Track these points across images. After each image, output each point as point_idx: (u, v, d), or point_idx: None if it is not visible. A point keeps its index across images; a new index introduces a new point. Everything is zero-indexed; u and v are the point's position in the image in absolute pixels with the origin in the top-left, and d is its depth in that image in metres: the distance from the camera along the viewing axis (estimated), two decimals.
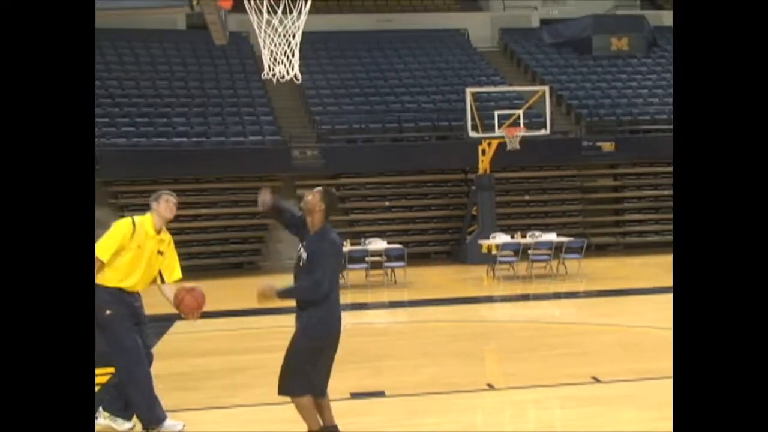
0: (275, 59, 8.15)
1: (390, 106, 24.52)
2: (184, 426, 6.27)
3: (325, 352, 5.40)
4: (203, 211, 21.56)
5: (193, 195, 21.58)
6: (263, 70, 8.67)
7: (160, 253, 6.32)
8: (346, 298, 12.04)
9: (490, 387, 7.70)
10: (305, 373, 5.36)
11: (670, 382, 7.52)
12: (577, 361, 8.76)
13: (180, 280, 6.48)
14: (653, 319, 11.33)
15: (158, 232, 6.30)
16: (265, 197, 5.60)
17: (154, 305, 10.53)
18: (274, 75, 8.33)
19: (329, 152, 22.05)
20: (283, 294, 5.39)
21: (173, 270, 6.46)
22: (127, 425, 6.28)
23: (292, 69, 8.27)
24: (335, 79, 25.83)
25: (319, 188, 5.54)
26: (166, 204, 6.28)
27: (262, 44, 8.49)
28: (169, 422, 6.21)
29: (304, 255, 5.37)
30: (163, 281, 6.40)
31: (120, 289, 6.10)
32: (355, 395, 7.34)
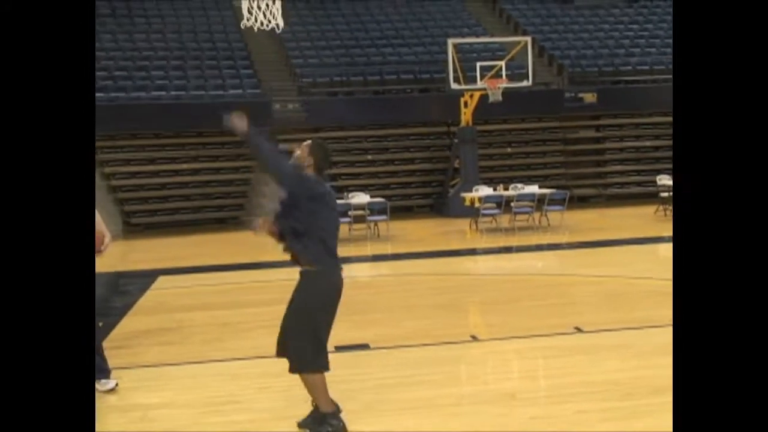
0: (256, 6, 8.00)
1: (371, 58, 24.27)
2: (116, 384, 6.23)
3: (332, 308, 5.03)
4: (184, 165, 21.38)
5: (173, 150, 21.39)
6: (242, 20, 8.51)
7: None
8: None
9: (474, 338, 7.73)
10: (322, 341, 4.98)
11: (653, 330, 7.61)
12: (560, 312, 8.80)
13: None
14: (636, 270, 11.40)
15: None
16: (238, 122, 4.98)
17: (136, 261, 10.47)
18: (254, 24, 8.17)
19: (310, 105, 21.86)
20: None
21: None
22: (111, 383, 6.23)
23: (273, 18, 8.12)
24: (315, 31, 25.52)
25: (308, 141, 5.23)
26: None
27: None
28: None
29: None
30: None
31: None
32: (339, 348, 7.32)
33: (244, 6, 8.36)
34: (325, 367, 5.04)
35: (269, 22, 8.16)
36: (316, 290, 5.01)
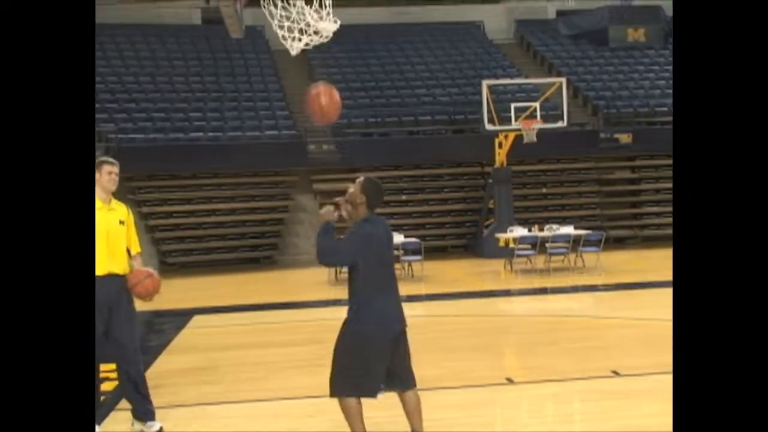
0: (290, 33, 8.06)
1: (405, 99, 24.44)
2: (161, 428, 6.18)
3: (367, 351, 5.08)
4: (220, 205, 21.60)
5: (210, 190, 21.64)
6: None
7: (121, 223, 6.00)
8: None
9: (509, 381, 7.66)
10: (348, 372, 5.11)
11: None
12: (596, 355, 8.70)
13: (138, 254, 6.24)
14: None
15: (107, 203, 5.98)
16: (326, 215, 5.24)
17: (172, 300, 10.54)
18: (290, 45, 8.17)
19: (345, 146, 22.02)
20: (322, 229, 5.15)
21: (133, 243, 6.14)
22: (157, 425, 6.22)
23: (317, 35, 8.13)
24: (350, 73, 25.78)
25: (361, 178, 5.34)
26: (107, 176, 5.93)
27: (276, 24, 8.36)
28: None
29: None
30: (130, 256, 6.11)
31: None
32: None
33: (278, 30, 8.38)
34: (342, 393, 5.13)
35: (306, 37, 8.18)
36: (351, 325, 5.17)
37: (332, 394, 5.22)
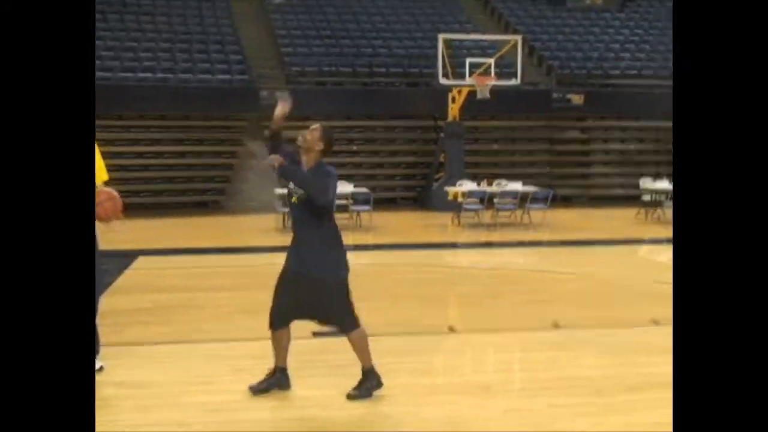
0: None
1: (361, 50, 24.23)
2: (101, 368, 6.13)
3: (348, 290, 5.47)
4: (169, 148, 21.28)
5: (158, 132, 21.29)
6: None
7: None
8: None
9: (451, 330, 7.75)
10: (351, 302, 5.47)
11: (629, 330, 7.64)
12: (538, 308, 8.83)
13: (107, 182, 6.13)
14: (615, 270, 11.47)
15: None
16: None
17: (116, 241, 10.43)
18: None
19: (298, 94, 21.74)
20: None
21: (99, 170, 6.01)
22: (98, 364, 6.14)
23: None
24: (306, 21, 25.43)
25: (318, 125, 5.39)
26: None
27: None
28: None
29: (299, 191, 5.26)
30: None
31: None
32: (317, 334, 7.32)
33: None
34: (360, 323, 5.51)
35: None
36: (338, 263, 5.43)
37: (351, 329, 5.51)
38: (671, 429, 5.04)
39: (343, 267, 5.42)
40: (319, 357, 6.46)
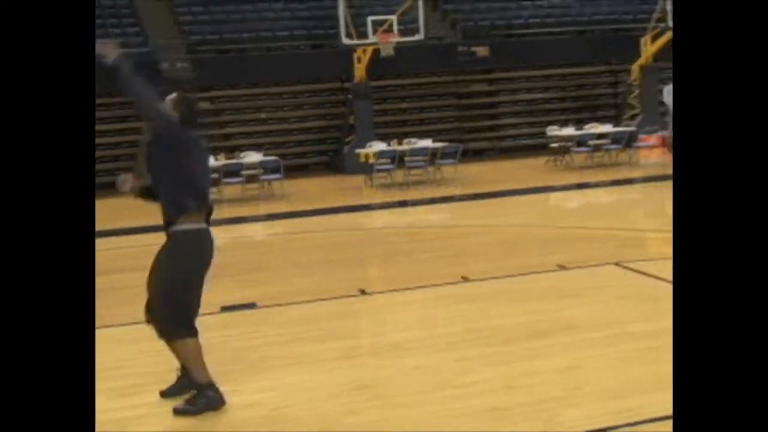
0: None
1: (263, 14, 23.77)
2: None
3: (201, 276, 4.76)
4: None
5: None
6: None
7: None
8: (221, 213, 11.78)
9: (362, 292, 7.70)
10: (188, 306, 4.73)
11: (537, 276, 7.73)
12: (448, 262, 8.87)
13: None
14: (526, 219, 11.61)
15: None
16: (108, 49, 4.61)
17: None
18: None
19: (200, 64, 21.29)
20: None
21: None
22: None
23: None
24: None
25: (173, 95, 5.00)
26: None
27: None
28: None
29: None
30: None
31: None
32: (225, 308, 7.21)
33: None
34: (190, 333, 4.73)
35: None
36: (182, 253, 4.76)
37: (172, 338, 4.85)
38: (576, 371, 5.13)
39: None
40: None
